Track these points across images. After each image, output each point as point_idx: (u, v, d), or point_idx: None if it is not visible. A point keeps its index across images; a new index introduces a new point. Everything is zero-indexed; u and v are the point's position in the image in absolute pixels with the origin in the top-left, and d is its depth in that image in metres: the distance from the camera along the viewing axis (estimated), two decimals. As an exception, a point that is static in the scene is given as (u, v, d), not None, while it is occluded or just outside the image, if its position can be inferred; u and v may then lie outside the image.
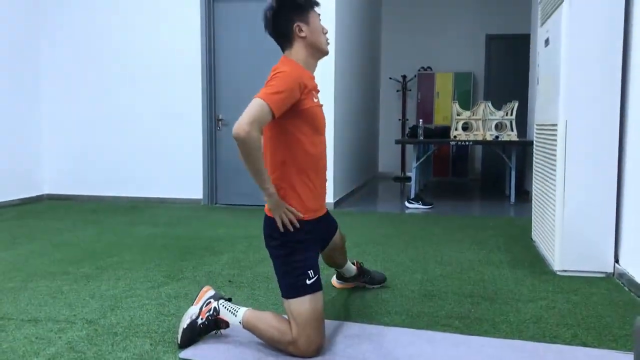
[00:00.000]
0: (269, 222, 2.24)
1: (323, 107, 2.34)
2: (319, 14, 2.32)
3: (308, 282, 2.16)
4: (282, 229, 2.19)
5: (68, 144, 6.44)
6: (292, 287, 2.17)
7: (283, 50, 2.29)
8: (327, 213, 2.46)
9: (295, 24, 2.22)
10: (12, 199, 6.02)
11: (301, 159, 2.20)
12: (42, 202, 6.32)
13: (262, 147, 2.03)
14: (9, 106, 5.98)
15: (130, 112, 6.25)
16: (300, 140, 2.18)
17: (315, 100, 2.23)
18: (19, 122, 6.12)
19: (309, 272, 2.18)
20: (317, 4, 2.31)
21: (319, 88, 2.35)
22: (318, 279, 2.20)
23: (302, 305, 2.13)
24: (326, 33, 2.31)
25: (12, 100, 6.02)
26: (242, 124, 1.94)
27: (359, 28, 7.25)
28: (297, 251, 2.20)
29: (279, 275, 2.24)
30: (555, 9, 3.43)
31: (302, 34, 2.23)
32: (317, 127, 2.24)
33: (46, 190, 6.52)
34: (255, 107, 1.98)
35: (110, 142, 6.33)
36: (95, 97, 6.32)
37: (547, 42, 3.71)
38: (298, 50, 2.25)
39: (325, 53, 2.31)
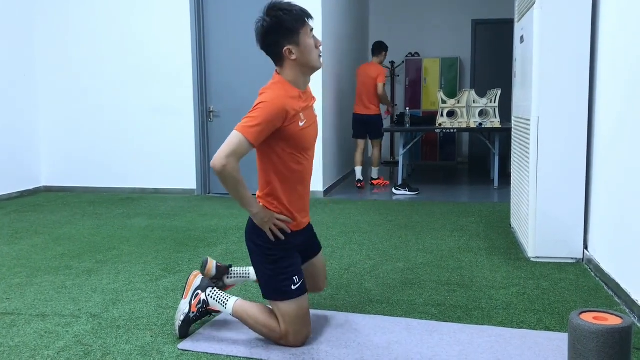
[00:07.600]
0: (254, 230, 2.31)
1: (316, 113, 2.37)
2: (312, 28, 2.27)
3: (293, 287, 2.27)
4: (273, 239, 2.28)
5: (64, 137, 6.58)
6: (277, 291, 2.26)
7: (275, 64, 2.31)
8: (310, 225, 2.54)
9: (285, 48, 2.21)
10: (11, 192, 6.19)
11: (287, 175, 2.29)
12: (39, 194, 6.48)
13: (239, 173, 2.12)
14: (6, 100, 6.11)
15: (124, 105, 6.39)
16: (284, 161, 2.26)
17: (302, 123, 2.25)
18: (16, 116, 6.25)
19: (294, 278, 2.29)
20: (310, 18, 2.25)
21: (313, 96, 2.39)
22: (303, 283, 2.32)
23: (288, 307, 2.26)
24: (319, 47, 2.28)
25: (9, 94, 6.15)
26: (220, 156, 2.09)
27: (347, 14, 7.37)
28: (283, 258, 2.29)
29: (263, 279, 2.31)
30: (529, 8, 3.59)
31: (293, 57, 2.22)
32: (304, 148, 2.30)
33: (43, 182, 6.68)
34: (233, 140, 2.10)
35: (105, 135, 6.48)
36: (90, 91, 6.45)
37: (522, 39, 3.88)
38: (288, 72, 2.27)
39: (317, 69, 2.30)
